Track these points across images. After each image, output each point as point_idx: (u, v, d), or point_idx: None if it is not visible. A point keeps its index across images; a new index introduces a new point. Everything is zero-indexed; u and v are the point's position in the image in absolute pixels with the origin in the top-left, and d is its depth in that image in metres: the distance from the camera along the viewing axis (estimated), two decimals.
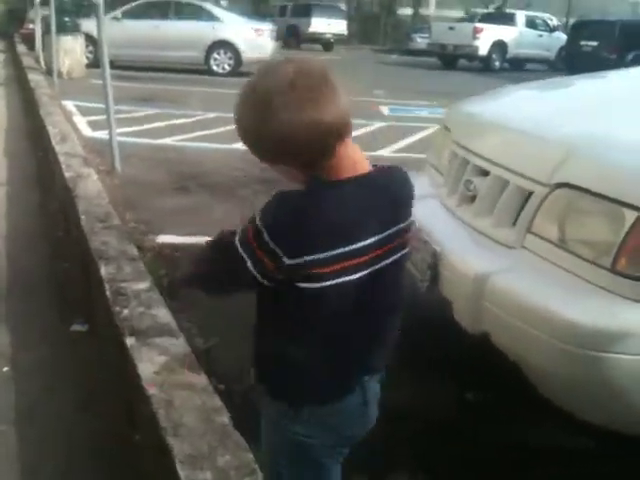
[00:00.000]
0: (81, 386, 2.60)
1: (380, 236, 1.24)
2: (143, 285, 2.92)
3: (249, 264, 1.21)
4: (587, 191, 1.85)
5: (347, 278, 1.21)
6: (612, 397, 1.73)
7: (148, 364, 2.27)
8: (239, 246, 1.22)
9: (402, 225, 1.30)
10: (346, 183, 1.22)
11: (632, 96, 2.50)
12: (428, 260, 2.15)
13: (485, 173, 2.27)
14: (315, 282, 1.20)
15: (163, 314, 2.66)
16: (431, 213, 2.38)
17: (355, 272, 1.22)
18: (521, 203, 2.07)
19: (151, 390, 2.12)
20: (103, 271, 3.02)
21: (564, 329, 1.70)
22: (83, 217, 3.75)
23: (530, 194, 2.03)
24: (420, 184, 2.77)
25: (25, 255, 3.91)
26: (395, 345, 1.40)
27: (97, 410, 2.45)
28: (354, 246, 1.20)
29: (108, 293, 2.82)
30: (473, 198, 2.28)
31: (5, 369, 2.72)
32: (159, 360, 2.31)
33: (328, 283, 1.20)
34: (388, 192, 1.27)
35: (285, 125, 1.14)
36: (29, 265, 3.76)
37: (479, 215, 2.22)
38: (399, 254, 1.31)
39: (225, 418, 1.99)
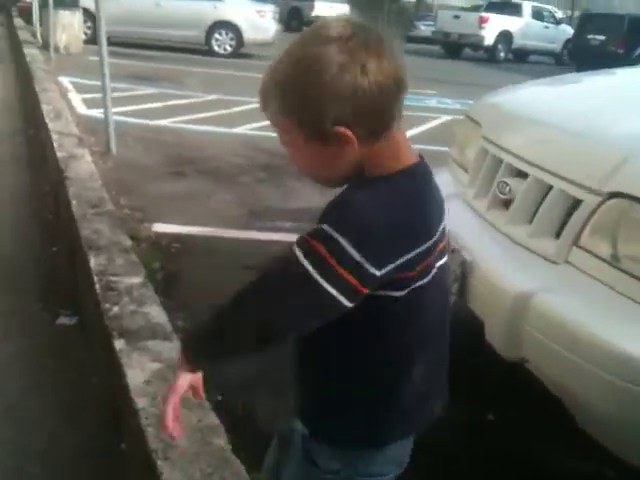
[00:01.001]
0: (65, 387, 2.41)
1: (438, 233, 1.08)
2: (136, 280, 2.72)
3: (331, 290, 0.97)
4: None
5: (425, 281, 1.05)
6: None
7: (138, 371, 2.09)
8: (311, 269, 0.97)
9: (445, 222, 1.12)
10: (415, 172, 1.06)
11: None
12: (456, 270, 1.92)
13: (522, 174, 2.03)
14: (400, 290, 1.03)
15: (156, 313, 2.47)
16: (457, 216, 2.14)
17: (428, 274, 1.06)
18: (566, 212, 1.84)
19: (141, 403, 1.91)
20: (93, 262, 2.81)
21: (620, 363, 1.48)
22: (74, 202, 3.54)
23: (578, 202, 1.80)
24: (443, 182, 2.54)
25: (12, 239, 3.70)
26: None
27: (83, 414, 2.26)
28: (430, 242, 1.04)
29: (97, 287, 2.62)
30: (507, 202, 2.04)
31: None
32: (151, 367, 2.12)
33: (411, 288, 1.04)
34: (433, 184, 1.11)
35: (366, 76, 0.98)
36: (16, 250, 3.57)
37: (515, 222, 1.98)
38: (446, 256, 1.14)
39: (222, 440, 1.80)
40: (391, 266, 0.98)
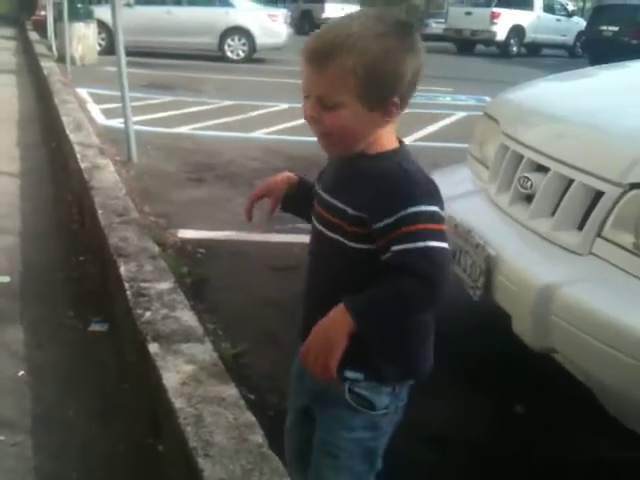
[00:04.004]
0: (98, 393, 2.46)
1: None
2: (165, 285, 2.77)
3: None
4: None
5: None
6: None
7: (174, 373, 2.13)
8: (445, 245, 1.16)
9: None
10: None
11: None
12: (481, 265, 1.96)
13: (543, 169, 2.06)
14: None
15: (188, 317, 2.52)
16: (480, 212, 2.19)
17: None
18: (588, 204, 1.87)
19: (178, 404, 1.96)
20: (123, 270, 2.87)
21: None
22: (100, 211, 3.60)
23: (599, 194, 1.83)
24: (464, 178, 2.59)
25: (39, 250, 3.77)
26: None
27: (117, 419, 2.31)
28: None
29: (128, 294, 2.68)
30: (529, 197, 2.08)
31: (20, 373, 2.57)
32: (186, 369, 2.16)
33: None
34: None
35: (420, 58, 1.20)
36: (43, 260, 3.63)
37: (537, 216, 2.01)
38: None
39: (259, 437, 1.84)
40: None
